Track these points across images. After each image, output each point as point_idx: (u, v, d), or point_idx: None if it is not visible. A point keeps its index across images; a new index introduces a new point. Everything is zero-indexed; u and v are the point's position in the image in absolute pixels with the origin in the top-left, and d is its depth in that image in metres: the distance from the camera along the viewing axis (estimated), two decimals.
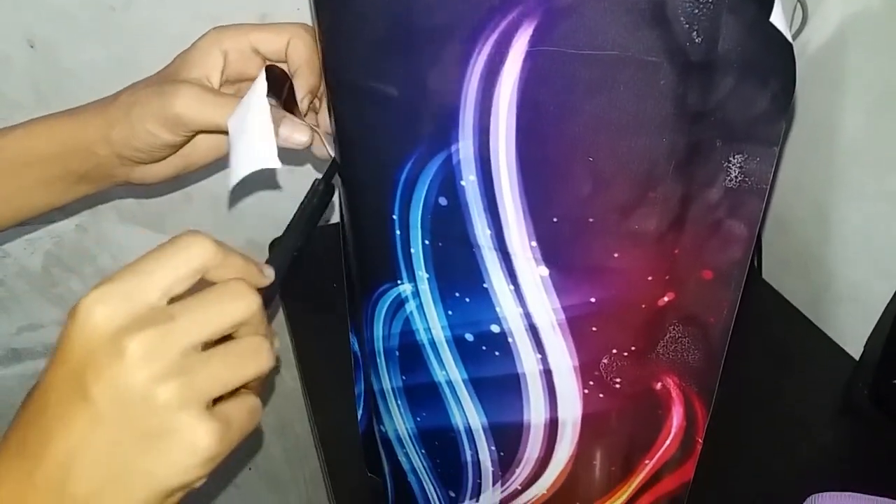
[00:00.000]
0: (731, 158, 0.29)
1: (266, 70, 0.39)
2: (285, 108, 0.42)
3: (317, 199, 0.38)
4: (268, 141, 0.38)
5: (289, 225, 0.38)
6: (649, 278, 0.32)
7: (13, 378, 0.83)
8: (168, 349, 0.27)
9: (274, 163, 0.36)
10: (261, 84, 0.38)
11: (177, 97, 0.41)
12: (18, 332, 0.81)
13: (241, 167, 0.38)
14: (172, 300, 0.28)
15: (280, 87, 0.42)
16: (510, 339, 0.35)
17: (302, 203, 0.38)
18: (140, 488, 0.28)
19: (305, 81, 0.42)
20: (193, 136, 0.44)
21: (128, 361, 0.26)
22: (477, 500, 0.43)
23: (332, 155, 0.42)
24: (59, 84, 0.67)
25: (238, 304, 0.29)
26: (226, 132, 0.41)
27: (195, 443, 0.27)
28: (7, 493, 0.28)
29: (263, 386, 0.31)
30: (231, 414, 0.29)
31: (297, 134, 0.41)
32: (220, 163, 0.49)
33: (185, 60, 0.44)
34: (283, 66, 0.44)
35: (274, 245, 0.80)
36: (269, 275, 0.33)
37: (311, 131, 0.41)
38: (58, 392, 0.27)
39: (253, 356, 0.29)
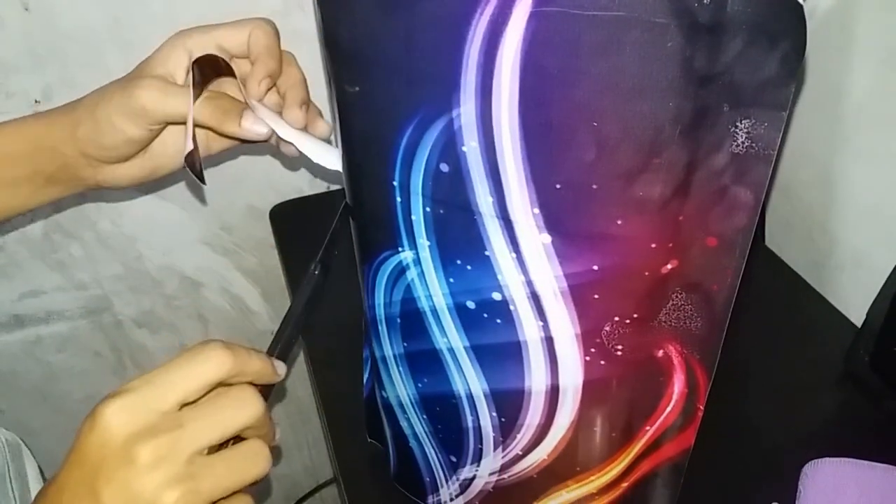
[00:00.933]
0: (738, 123, 0.28)
1: (196, 63, 0.41)
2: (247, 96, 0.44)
3: (312, 284, 0.38)
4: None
5: (287, 314, 0.38)
6: (653, 246, 0.31)
7: (16, 344, 0.84)
8: (176, 456, 0.29)
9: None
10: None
11: (140, 89, 0.42)
12: (20, 299, 0.81)
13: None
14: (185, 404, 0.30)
15: (219, 71, 0.44)
16: (512, 307, 0.34)
17: (299, 289, 0.39)
18: None
19: (264, 66, 0.43)
20: (160, 130, 0.45)
21: (138, 468, 0.28)
22: (478, 465, 0.44)
23: (302, 153, 0.43)
24: (54, 47, 0.66)
25: (245, 412, 0.31)
26: (202, 126, 0.43)
27: None
28: None
29: (258, 484, 0.33)
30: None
31: (258, 126, 0.42)
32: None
33: (151, 61, 0.45)
34: (246, 61, 0.45)
35: (275, 215, 0.79)
36: (282, 372, 0.35)
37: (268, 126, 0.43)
38: (71, 493, 0.29)
39: (254, 460, 0.31)
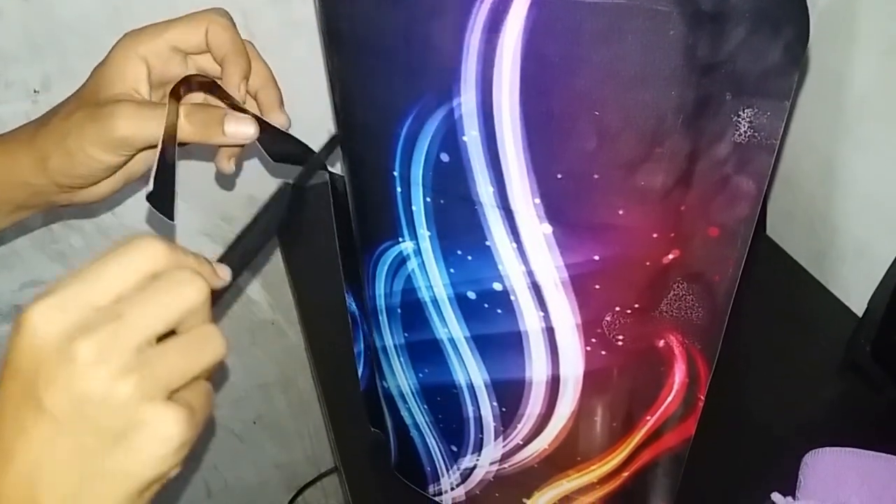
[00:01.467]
0: (740, 113, 0.28)
1: (182, 86, 0.39)
2: (224, 103, 0.41)
3: (284, 202, 0.37)
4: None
5: (249, 224, 0.35)
6: (654, 236, 0.31)
7: None
8: (121, 348, 0.26)
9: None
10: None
11: (116, 118, 0.39)
12: (21, 289, 0.81)
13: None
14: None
15: (208, 90, 0.41)
16: (512, 297, 0.34)
17: (267, 203, 0.36)
18: (116, 488, 0.28)
19: (236, 67, 0.41)
20: (138, 153, 0.43)
21: (79, 366, 0.26)
22: (479, 455, 0.44)
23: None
24: (53, 36, 0.66)
25: (186, 293, 0.28)
26: None
27: (165, 432, 0.27)
28: None
29: (214, 372, 0.31)
30: (191, 400, 0.29)
31: (242, 127, 0.40)
32: None
33: (106, 76, 0.42)
34: (207, 57, 0.43)
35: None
36: (225, 276, 0.32)
37: (256, 120, 0.40)
38: (12, 406, 0.27)
39: (209, 344, 0.29)
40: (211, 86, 0.41)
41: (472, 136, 0.31)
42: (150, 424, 0.27)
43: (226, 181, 0.80)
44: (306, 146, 0.42)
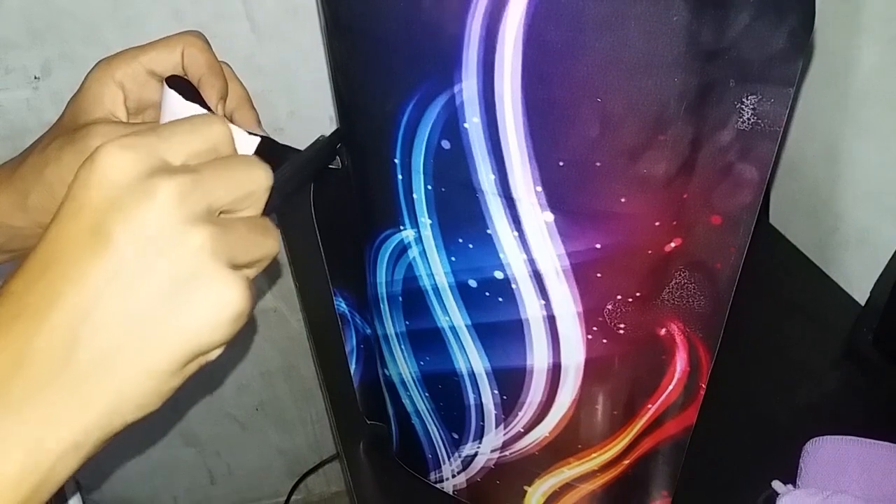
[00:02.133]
0: (744, 100, 0.28)
1: (167, 80, 0.38)
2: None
3: (316, 151, 0.37)
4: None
5: (284, 165, 0.35)
6: (656, 224, 0.31)
7: None
8: (199, 198, 0.25)
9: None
10: (172, 97, 0.37)
11: (93, 138, 0.37)
12: None
13: None
14: None
15: (189, 96, 0.40)
16: (513, 286, 0.34)
17: (304, 150, 0.37)
18: (160, 349, 0.25)
19: (213, 88, 0.40)
20: None
21: (159, 202, 0.24)
22: (480, 442, 0.44)
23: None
24: (53, 23, 0.65)
25: (255, 175, 0.28)
26: None
27: (227, 296, 0.25)
28: None
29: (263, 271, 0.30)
30: (249, 277, 0.27)
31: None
32: None
33: (82, 104, 0.40)
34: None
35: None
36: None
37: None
38: (70, 243, 0.25)
39: (269, 234, 0.28)
40: (194, 91, 0.40)
41: (473, 124, 0.30)
42: (214, 283, 0.25)
43: None
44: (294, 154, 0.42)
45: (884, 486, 0.46)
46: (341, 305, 0.47)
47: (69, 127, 0.40)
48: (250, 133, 0.36)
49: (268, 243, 0.28)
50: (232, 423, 1.07)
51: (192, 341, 0.26)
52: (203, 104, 0.40)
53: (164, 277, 0.25)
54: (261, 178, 0.28)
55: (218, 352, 0.27)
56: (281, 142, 0.43)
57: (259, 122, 0.44)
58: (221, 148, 0.28)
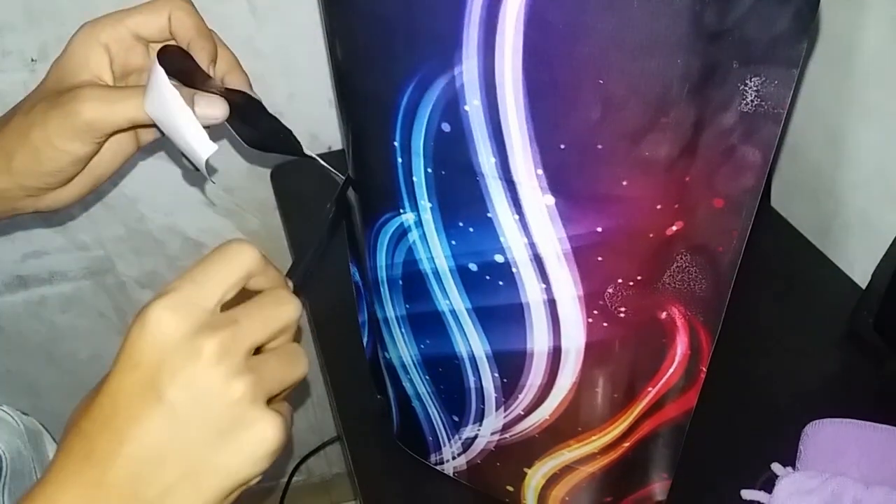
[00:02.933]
0: (747, 81, 0.28)
1: (158, 55, 0.37)
2: (194, 82, 0.39)
3: (329, 222, 0.39)
4: (194, 132, 0.37)
5: (305, 247, 0.39)
6: (658, 207, 0.31)
7: (20, 304, 0.84)
8: (237, 350, 0.29)
9: (210, 149, 0.37)
10: (158, 73, 0.36)
11: (80, 102, 0.38)
12: (23, 259, 0.81)
13: (188, 162, 0.39)
14: (224, 306, 0.30)
15: (181, 65, 0.39)
16: (514, 269, 0.34)
17: (316, 227, 0.39)
18: (211, 484, 0.29)
19: (203, 51, 0.40)
20: (104, 141, 0.41)
21: (205, 361, 0.28)
22: (480, 425, 0.44)
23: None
24: (50, 4, 0.65)
25: (287, 310, 0.32)
26: (138, 126, 0.40)
27: (266, 435, 0.29)
28: (73, 501, 0.28)
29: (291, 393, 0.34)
30: (281, 410, 0.31)
31: (210, 109, 0.38)
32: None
33: (67, 66, 0.40)
34: (172, 43, 0.41)
35: (276, 175, 0.79)
36: (291, 287, 0.35)
37: (226, 102, 0.39)
38: (129, 396, 0.28)
39: (299, 360, 0.32)
40: (186, 58, 0.40)
41: (473, 106, 0.30)
42: (254, 426, 0.29)
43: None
44: (286, 129, 0.42)
45: (883, 469, 0.46)
46: (356, 275, 0.47)
47: (54, 90, 0.40)
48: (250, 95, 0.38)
49: (298, 370, 0.32)
50: None
51: (237, 476, 0.30)
52: (196, 74, 0.39)
53: (211, 426, 0.29)
54: (292, 313, 0.32)
55: (258, 479, 0.31)
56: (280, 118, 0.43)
57: (250, 85, 0.43)
58: (254, 270, 0.31)
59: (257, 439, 0.29)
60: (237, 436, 0.29)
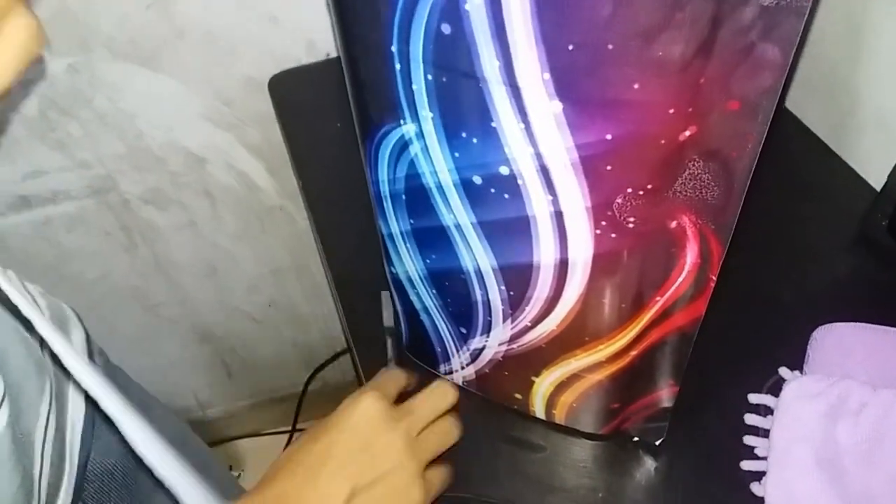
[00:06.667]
0: None
1: None
2: None
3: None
4: None
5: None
6: (671, 111, 0.29)
7: (26, 225, 0.84)
8: (413, 429, 0.40)
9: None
10: None
11: None
12: (23, 179, 0.80)
13: None
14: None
15: None
16: (520, 181, 0.33)
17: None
18: None
19: None
20: None
21: (399, 432, 0.39)
22: (488, 336, 0.44)
23: None
24: None
25: (448, 401, 0.43)
26: None
27: (415, 499, 0.39)
28: None
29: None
30: (431, 480, 0.41)
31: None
32: None
33: None
34: None
35: (274, 85, 0.77)
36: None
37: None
38: (344, 452, 0.38)
39: (453, 431, 0.43)
40: None
41: (474, 4, 0.28)
42: (411, 490, 0.39)
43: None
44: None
45: (891, 372, 0.46)
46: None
47: None
48: None
49: (451, 439, 0.43)
50: (245, 320, 1.09)
51: None
52: None
53: (388, 484, 0.38)
54: (452, 402, 0.43)
55: None
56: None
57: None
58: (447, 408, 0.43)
59: (411, 499, 0.39)
60: (399, 496, 0.38)
